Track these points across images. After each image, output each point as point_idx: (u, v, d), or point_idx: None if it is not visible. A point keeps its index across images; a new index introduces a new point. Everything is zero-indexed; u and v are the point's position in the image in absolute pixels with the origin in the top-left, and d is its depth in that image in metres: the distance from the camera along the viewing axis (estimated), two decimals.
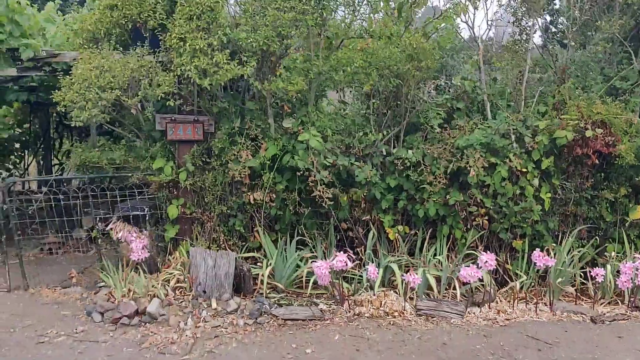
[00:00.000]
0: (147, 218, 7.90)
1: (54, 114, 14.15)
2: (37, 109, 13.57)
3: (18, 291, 7.67)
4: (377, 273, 6.54)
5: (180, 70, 6.25)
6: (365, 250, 7.23)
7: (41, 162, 13.40)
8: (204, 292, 6.67)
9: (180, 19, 6.35)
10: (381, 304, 6.41)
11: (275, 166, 6.87)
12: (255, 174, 7.05)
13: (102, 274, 6.95)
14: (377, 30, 6.65)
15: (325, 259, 6.64)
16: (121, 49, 7.10)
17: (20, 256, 7.76)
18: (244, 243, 7.31)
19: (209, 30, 6.33)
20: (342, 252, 6.48)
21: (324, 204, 6.53)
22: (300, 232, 7.32)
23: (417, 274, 6.28)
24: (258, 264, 7.16)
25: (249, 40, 6.28)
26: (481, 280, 6.59)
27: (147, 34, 7.19)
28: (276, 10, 6.28)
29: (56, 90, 6.70)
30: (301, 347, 5.77)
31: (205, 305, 6.55)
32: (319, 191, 6.42)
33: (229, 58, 6.36)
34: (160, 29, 7.12)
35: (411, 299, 6.64)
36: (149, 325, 6.30)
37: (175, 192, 7.27)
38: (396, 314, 6.34)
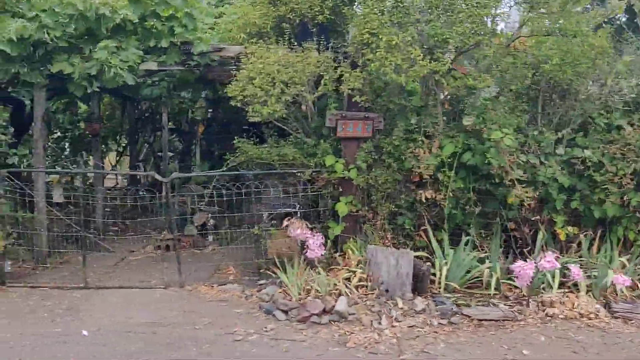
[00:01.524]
0: (298, 215, 7.82)
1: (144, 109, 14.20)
2: (126, 104, 13.57)
3: (174, 288, 7.60)
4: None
5: (375, 66, 6.13)
6: (533, 251, 7.11)
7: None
8: (387, 291, 6.58)
9: (370, 13, 6.24)
10: (574, 305, 6.29)
11: (454, 164, 6.76)
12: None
13: (279, 272, 6.85)
14: (567, 27, 6.53)
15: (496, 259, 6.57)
16: (287, 44, 7.01)
17: (178, 252, 7.69)
18: (409, 242, 7.20)
19: (400, 25, 6.21)
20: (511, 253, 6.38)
21: (523, 204, 6.41)
22: (465, 231, 7.20)
23: (624, 275, 6.16)
24: (427, 263, 7.05)
25: (445, 36, 6.16)
26: None
27: (315, 29, 7.11)
28: (473, 7, 6.16)
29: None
30: (513, 347, 5.66)
31: (391, 305, 6.45)
32: (518, 190, 6.30)
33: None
34: (328, 23, 7.05)
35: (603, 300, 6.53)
36: (340, 324, 6.20)
37: (342, 190, 7.17)
38: (592, 315, 6.22)
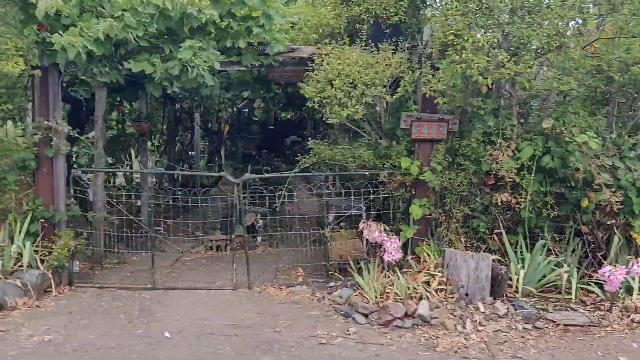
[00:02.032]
0: (364, 217, 7.77)
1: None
2: (167, 103, 13.54)
3: (242, 289, 7.57)
4: None
5: (461, 67, 6.07)
6: (606, 255, 7.04)
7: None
8: (466, 294, 6.52)
9: (454, 14, 6.18)
10: None
11: (534, 167, 6.69)
12: (498, 175, 6.87)
13: (356, 275, 6.79)
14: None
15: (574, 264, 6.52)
16: (364, 45, 6.96)
17: (247, 254, 7.65)
18: (482, 245, 7.13)
19: (484, 27, 6.15)
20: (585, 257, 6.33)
21: (610, 208, 6.34)
22: (537, 235, 7.14)
23: None
24: (502, 266, 6.98)
25: (531, 38, 6.10)
26: None
27: (389, 30, 7.05)
28: (558, 8, 6.09)
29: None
30: (607, 354, 5.60)
31: (472, 309, 6.39)
32: (607, 195, 6.23)
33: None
34: (401, 24, 7.00)
35: None
36: (424, 328, 6.15)
37: (415, 192, 7.11)
38: None
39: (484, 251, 7.08)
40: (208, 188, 13.45)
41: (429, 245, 7.04)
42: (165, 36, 6.45)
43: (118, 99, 11.43)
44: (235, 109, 19.09)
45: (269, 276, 8.07)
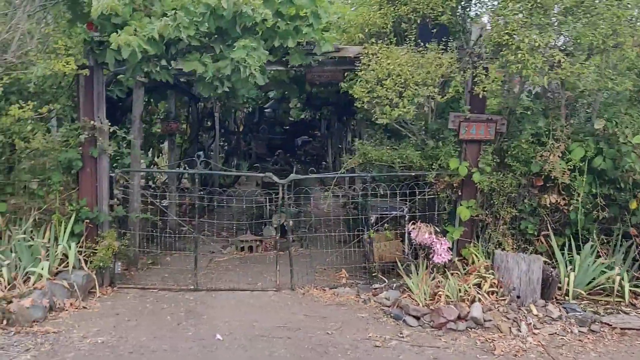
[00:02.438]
0: (406, 218, 7.71)
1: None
2: (191, 103, 13.49)
3: (285, 290, 7.51)
4: None
5: (517, 67, 6.00)
6: None
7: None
8: (518, 297, 6.46)
9: (510, 14, 6.11)
10: None
11: (585, 168, 6.62)
12: (548, 176, 6.81)
13: (405, 277, 6.73)
14: None
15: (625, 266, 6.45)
16: (413, 44, 6.90)
17: (290, 255, 7.59)
18: (529, 247, 7.07)
19: (539, 27, 6.08)
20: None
21: None
22: (584, 237, 7.07)
23: None
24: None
25: (588, 38, 6.03)
26: None
27: (436, 29, 6.99)
28: (614, 8, 6.02)
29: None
30: None
31: (525, 311, 6.33)
32: None
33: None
34: (448, 23, 6.93)
35: None
36: (478, 331, 6.10)
37: (462, 193, 7.05)
38: None
39: (531, 253, 7.01)
40: (225, 188, 13.37)
41: (476, 247, 6.97)
42: (215, 35, 6.38)
43: (146, 99, 11.35)
44: (250, 108, 19.13)
45: (308, 277, 8.00)
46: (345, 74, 7.79)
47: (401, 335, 6.07)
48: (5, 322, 5.68)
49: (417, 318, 6.33)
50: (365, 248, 7.94)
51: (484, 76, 6.30)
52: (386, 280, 7.44)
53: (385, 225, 7.57)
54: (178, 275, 8.16)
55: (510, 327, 6.07)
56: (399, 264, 7.02)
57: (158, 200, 8.08)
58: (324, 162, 21.64)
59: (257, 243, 10.29)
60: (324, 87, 11.26)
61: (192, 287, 7.51)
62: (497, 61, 6.28)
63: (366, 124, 8.90)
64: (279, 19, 6.58)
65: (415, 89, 6.30)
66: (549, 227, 6.97)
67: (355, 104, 6.80)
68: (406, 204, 7.60)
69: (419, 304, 6.49)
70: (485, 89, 6.27)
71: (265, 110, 17.78)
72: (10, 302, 5.93)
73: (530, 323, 6.12)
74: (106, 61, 6.39)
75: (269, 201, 11.33)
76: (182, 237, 9.72)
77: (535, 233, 7.03)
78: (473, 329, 6.13)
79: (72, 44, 6.30)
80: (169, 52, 6.27)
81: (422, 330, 6.20)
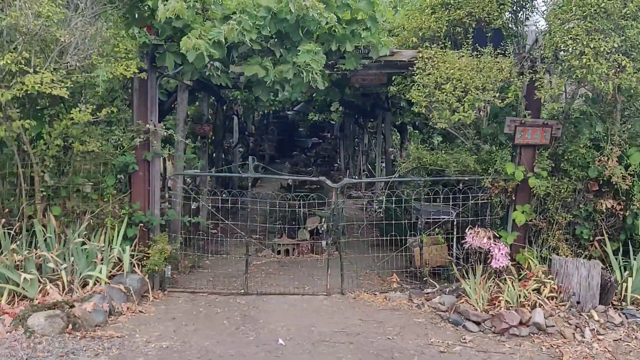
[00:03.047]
0: (454, 223, 7.69)
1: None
2: (218, 106, 13.47)
3: (335, 295, 7.50)
4: None
5: (582, 72, 5.99)
6: None
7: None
8: (578, 302, 6.43)
9: (572, 19, 6.10)
10: None
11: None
12: (603, 181, 6.80)
13: (463, 282, 6.71)
14: None
15: None
16: (470, 49, 6.89)
17: (341, 259, 7.56)
18: (583, 252, 7.05)
19: (602, 32, 6.06)
20: None
21: None
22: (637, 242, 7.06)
23: None
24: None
25: None
26: None
27: (490, 33, 6.98)
28: None
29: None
30: None
31: (586, 317, 6.31)
32: None
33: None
34: (503, 27, 6.93)
35: None
36: (541, 336, 6.07)
37: (516, 198, 7.03)
38: None
39: (585, 258, 6.99)
40: (245, 190, 13.33)
41: (530, 252, 6.95)
42: (275, 39, 6.36)
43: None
44: (265, 111, 19.10)
45: (354, 281, 7.98)
46: (393, 78, 7.78)
47: (464, 340, 6.05)
48: (70, 326, 5.64)
49: (478, 323, 6.31)
50: (413, 252, 7.91)
51: (545, 81, 6.28)
52: (437, 285, 7.43)
53: (437, 230, 7.53)
54: (222, 279, 8.14)
55: (573, 333, 6.04)
56: (455, 269, 7.00)
57: (209, 204, 7.98)
58: (335, 164, 21.68)
59: (294, 247, 10.28)
60: (356, 90, 11.26)
61: (242, 291, 7.49)
62: (559, 66, 6.24)
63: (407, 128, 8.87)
64: (336, 23, 6.57)
65: (477, 94, 6.27)
66: (604, 232, 6.94)
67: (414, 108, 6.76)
68: (455, 208, 7.59)
69: (477, 309, 6.46)
70: (548, 94, 6.24)
71: (288, 113, 17.75)
72: (72, 306, 5.90)
73: (594, 329, 6.09)
74: (165, 64, 6.36)
75: (302, 205, 11.42)
76: (220, 241, 9.68)
77: (590, 238, 7.01)
78: (536, 335, 6.10)
79: (132, 47, 6.27)
80: (230, 56, 6.24)
81: (484, 336, 6.18)
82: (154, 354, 5.55)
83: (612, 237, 7.09)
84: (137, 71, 6.23)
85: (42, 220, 6.69)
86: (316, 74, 6.12)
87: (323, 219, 10.81)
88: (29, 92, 5.52)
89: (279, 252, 10.12)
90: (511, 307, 6.36)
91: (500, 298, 6.41)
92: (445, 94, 6.42)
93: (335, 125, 21.65)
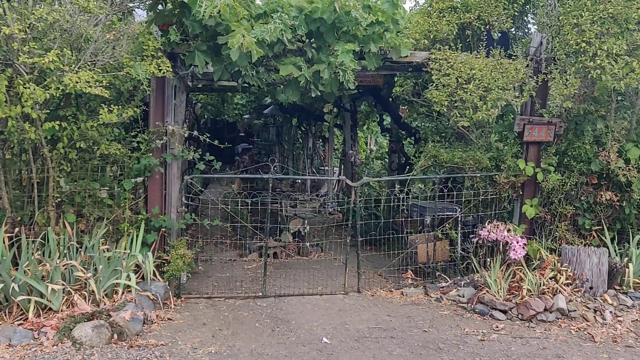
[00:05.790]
0: (459, 219, 8.00)
1: None
2: None
3: (353, 293, 7.59)
4: None
5: (596, 73, 6.45)
6: None
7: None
8: (591, 288, 6.89)
9: (584, 23, 6.56)
10: None
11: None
12: (602, 175, 7.34)
13: (483, 274, 6.99)
14: None
15: None
16: (484, 50, 7.22)
17: (358, 258, 7.65)
18: (583, 241, 7.55)
19: (614, 35, 6.56)
20: None
21: None
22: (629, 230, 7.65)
23: None
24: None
25: None
26: None
27: (498, 36, 7.36)
28: None
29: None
30: None
31: (600, 301, 6.77)
32: None
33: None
34: (510, 30, 7.32)
35: None
36: (566, 321, 6.45)
37: (524, 192, 7.43)
38: None
39: (584, 246, 7.49)
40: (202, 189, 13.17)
41: (539, 243, 7.36)
42: (307, 39, 6.39)
43: None
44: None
45: (365, 280, 8.10)
46: (395, 79, 7.99)
47: (497, 328, 6.32)
48: (116, 336, 5.38)
49: (504, 312, 6.61)
50: (416, 249, 8.13)
51: (559, 81, 6.69)
52: (448, 279, 7.68)
53: (447, 226, 7.80)
54: (226, 283, 8.00)
55: (594, 316, 6.46)
56: (474, 261, 7.27)
57: (229, 206, 7.82)
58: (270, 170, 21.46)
59: (281, 249, 10.24)
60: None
61: (259, 294, 7.40)
62: (572, 67, 6.67)
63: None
64: (359, 25, 6.68)
65: (499, 93, 6.58)
66: (603, 222, 7.47)
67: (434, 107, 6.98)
68: (459, 205, 7.89)
69: (499, 299, 6.77)
70: (562, 93, 6.65)
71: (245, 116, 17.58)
72: (109, 315, 5.63)
73: (612, 312, 6.55)
74: (195, 64, 6.21)
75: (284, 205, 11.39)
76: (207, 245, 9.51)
77: (590, 228, 7.51)
78: (560, 319, 6.48)
79: (160, 46, 6.08)
80: (267, 56, 6.20)
81: (513, 323, 6.48)
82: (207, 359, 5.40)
83: (610, 227, 7.64)
84: (167, 70, 6.04)
85: (55, 229, 6.32)
86: (349, 73, 6.17)
87: (305, 221, 10.86)
88: (67, 92, 5.22)
89: (268, 256, 10.02)
90: (532, 295, 6.71)
91: (523, 287, 6.74)
92: (468, 92, 6.68)
93: (271, 129, 21.52)
